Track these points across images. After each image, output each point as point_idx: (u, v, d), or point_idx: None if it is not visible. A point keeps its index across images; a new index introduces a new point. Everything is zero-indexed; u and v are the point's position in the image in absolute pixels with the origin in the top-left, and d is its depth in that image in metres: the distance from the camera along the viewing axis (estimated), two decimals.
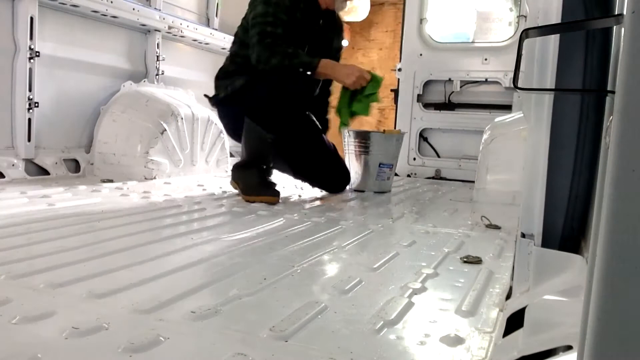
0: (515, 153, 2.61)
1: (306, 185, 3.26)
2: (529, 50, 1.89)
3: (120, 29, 3.66)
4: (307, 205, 2.77)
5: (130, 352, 0.90)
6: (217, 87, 2.93)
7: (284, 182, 3.84)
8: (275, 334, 1.01)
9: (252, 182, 2.77)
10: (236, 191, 2.97)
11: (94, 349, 0.92)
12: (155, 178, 3.35)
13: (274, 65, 2.56)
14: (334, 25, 3.03)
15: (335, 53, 3.10)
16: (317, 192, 3.35)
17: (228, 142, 4.17)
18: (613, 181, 0.49)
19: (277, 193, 2.75)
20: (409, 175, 4.83)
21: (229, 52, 3.06)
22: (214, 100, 2.93)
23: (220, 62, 4.73)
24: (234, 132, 3.02)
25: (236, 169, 2.91)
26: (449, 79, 4.80)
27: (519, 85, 1.41)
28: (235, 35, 3.01)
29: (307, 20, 2.79)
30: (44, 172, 3.09)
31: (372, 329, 1.08)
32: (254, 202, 2.69)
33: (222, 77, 2.91)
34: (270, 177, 2.84)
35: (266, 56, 2.58)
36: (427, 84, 4.94)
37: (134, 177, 3.28)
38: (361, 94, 2.77)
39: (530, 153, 1.73)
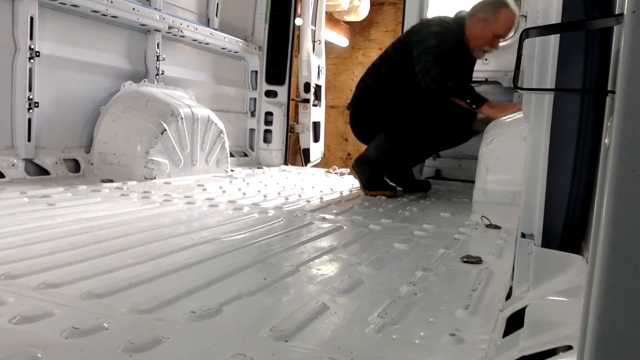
0: (515, 153, 2.61)
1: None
2: (529, 50, 1.89)
3: (120, 29, 3.66)
4: (307, 206, 2.78)
5: (130, 352, 0.90)
6: (361, 96, 3.45)
7: (283, 182, 3.85)
8: (275, 334, 1.01)
9: (373, 178, 3.34)
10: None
11: (94, 349, 0.92)
12: (155, 178, 3.35)
13: (449, 87, 2.97)
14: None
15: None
16: (317, 193, 3.35)
17: (228, 142, 4.17)
18: (613, 181, 0.49)
19: (394, 188, 3.38)
20: None
21: (373, 69, 3.45)
22: (353, 108, 3.48)
23: (220, 62, 4.78)
24: (362, 135, 3.55)
25: (361, 162, 3.40)
26: None
27: (519, 85, 1.41)
28: (386, 56, 3.40)
29: (460, 56, 3.23)
30: (44, 172, 3.09)
31: (372, 329, 1.08)
32: (375, 196, 3.25)
33: (366, 90, 3.41)
34: (382, 176, 3.42)
35: (443, 79, 2.97)
36: None
37: (134, 177, 3.27)
38: None
39: (530, 153, 1.72)
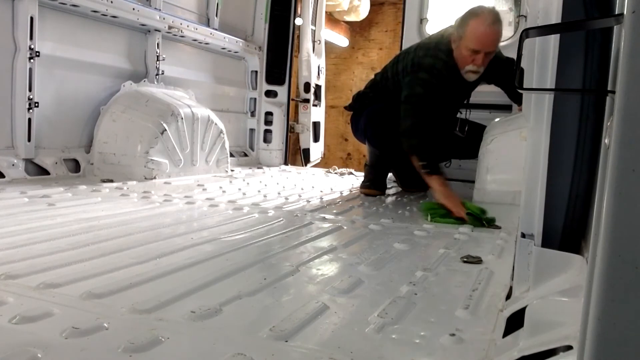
0: (515, 153, 2.61)
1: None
2: (529, 50, 1.89)
3: (120, 29, 3.65)
4: (307, 206, 2.78)
5: (130, 352, 0.90)
6: (355, 103, 3.59)
7: (283, 182, 3.85)
8: (275, 334, 1.01)
9: (366, 180, 3.52)
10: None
11: (94, 349, 0.92)
12: (155, 178, 3.35)
13: (412, 145, 2.87)
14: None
15: (466, 97, 3.47)
16: (317, 193, 3.35)
17: (228, 142, 4.17)
18: (613, 181, 0.49)
19: (381, 188, 3.45)
20: None
21: (374, 80, 3.54)
22: (353, 112, 3.60)
23: (220, 62, 4.78)
24: (362, 136, 3.62)
25: (365, 165, 3.63)
26: None
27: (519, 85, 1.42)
28: (384, 73, 3.42)
29: (452, 80, 3.07)
30: (44, 172, 3.09)
31: (372, 328, 1.08)
32: (361, 194, 3.43)
33: (362, 98, 3.54)
34: (382, 177, 3.51)
35: (411, 134, 2.90)
36: None
37: (134, 177, 3.27)
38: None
39: (530, 153, 1.73)
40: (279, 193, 3.19)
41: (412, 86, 2.98)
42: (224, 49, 4.67)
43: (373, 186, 3.46)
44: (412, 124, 2.89)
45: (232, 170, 4.27)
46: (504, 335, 1.07)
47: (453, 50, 2.97)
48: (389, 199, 3.20)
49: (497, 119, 3.08)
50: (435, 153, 2.96)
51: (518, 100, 3.39)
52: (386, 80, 3.36)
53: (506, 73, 3.32)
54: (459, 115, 3.55)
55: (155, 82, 3.86)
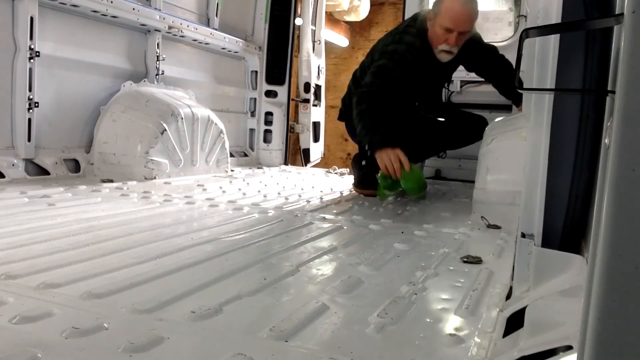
0: (515, 153, 2.60)
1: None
2: (529, 50, 1.89)
3: (120, 29, 3.65)
4: (307, 206, 2.78)
5: (130, 352, 0.90)
6: (347, 112, 3.54)
7: (283, 182, 3.85)
8: (275, 334, 1.01)
9: (364, 177, 3.41)
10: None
11: (94, 349, 0.92)
12: (155, 178, 3.35)
13: (358, 132, 2.98)
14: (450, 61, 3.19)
15: (445, 80, 3.48)
16: (317, 193, 3.35)
17: (228, 142, 4.17)
18: (613, 181, 0.49)
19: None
20: None
21: (354, 81, 3.62)
22: (344, 118, 3.69)
23: (220, 62, 4.79)
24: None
25: (355, 162, 3.53)
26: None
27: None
28: (362, 66, 3.49)
29: (422, 62, 3.05)
30: (44, 172, 3.09)
31: (372, 329, 1.08)
32: (360, 194, 3.38)
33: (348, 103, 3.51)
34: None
35: (357, 119, 2.97)
36: None
37: (134, 177, 3.27)
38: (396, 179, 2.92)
39: (530, 153, 1.73)
40: (279, 193, 3.19)
41: (370, 73, 3.04)
42: (224, 49, 4.67)
43: (372, 186, 3.45)
44: (359, 112, 2.96)
45: (232, 170, 4.27)
46: (504, 335, 1.07)
47: (427, 30, 2.97)
48: (389, 199, 3.19)
49: (497, 119, 3.08)
50: (396, 133, 3.01)
51: (510, 95, 3.39)
52: (365, 74, 3.32)
53: (489, 63, 3.31)
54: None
55: (155, 82, 3.86)
